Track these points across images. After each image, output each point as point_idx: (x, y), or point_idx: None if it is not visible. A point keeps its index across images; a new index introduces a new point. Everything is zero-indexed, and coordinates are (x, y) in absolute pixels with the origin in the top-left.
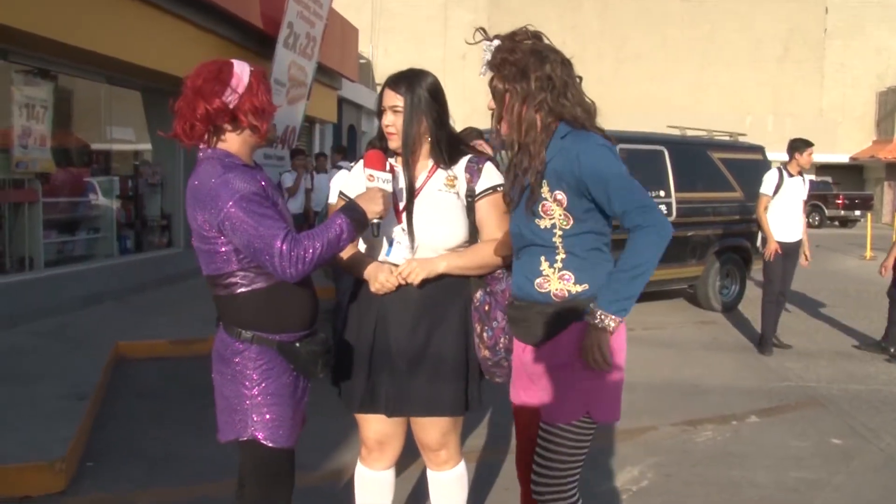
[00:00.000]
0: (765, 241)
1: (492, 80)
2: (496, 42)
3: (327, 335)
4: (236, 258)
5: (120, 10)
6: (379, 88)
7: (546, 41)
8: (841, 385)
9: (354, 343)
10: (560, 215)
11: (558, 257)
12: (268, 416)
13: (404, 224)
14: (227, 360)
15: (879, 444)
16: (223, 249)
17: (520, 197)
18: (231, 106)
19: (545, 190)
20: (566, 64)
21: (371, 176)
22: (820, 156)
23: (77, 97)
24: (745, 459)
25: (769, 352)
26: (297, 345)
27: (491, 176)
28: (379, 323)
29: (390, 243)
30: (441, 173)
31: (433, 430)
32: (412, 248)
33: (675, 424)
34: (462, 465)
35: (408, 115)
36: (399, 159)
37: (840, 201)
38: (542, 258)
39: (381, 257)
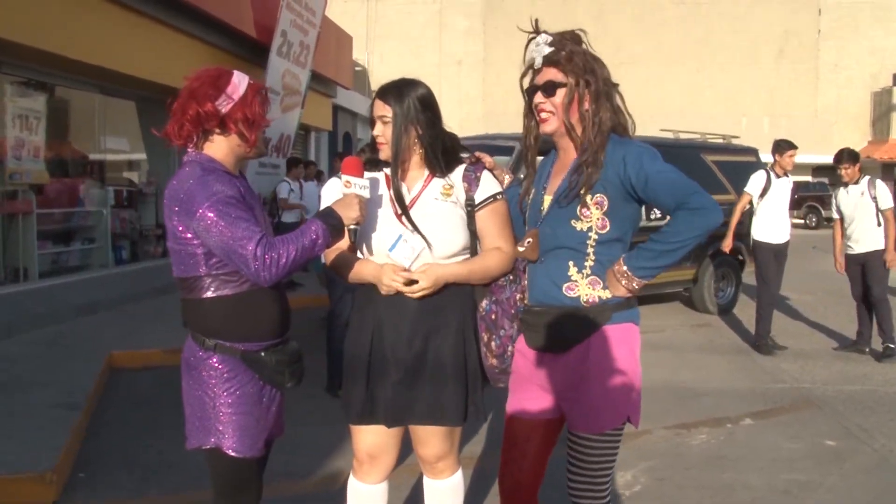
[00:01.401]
0: (753, 243)
1: (525, 71)
2: (548, 37)
3: (299, 345)
4: (206, 262)
5: (113, 20)
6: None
7: (587, 47)
8: (836, 386)
9: (353, 352)
10: (598, 219)
11: (587, 262)
12: (230, 426)
13: (409, 227)
14: (192, 366)
15: (873, 444)
16: (194, 252)
17: (566, 197)
18: (222, 111)
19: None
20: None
21: (348, 182)
22: (816, 157)
23: (71, 108)
24: (739, 462)
25: (769, 352)
26: (263, 354)
27: (489, 185)
28: (376, 332)
29: (394, 242)
30: (437, 182)
31: (433, 440)
32: (417, 248)
33: (668, 428)
34: (459, 473)
35: (396, 125)
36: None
37: None
38: (571, 263)
39: (383, 257)
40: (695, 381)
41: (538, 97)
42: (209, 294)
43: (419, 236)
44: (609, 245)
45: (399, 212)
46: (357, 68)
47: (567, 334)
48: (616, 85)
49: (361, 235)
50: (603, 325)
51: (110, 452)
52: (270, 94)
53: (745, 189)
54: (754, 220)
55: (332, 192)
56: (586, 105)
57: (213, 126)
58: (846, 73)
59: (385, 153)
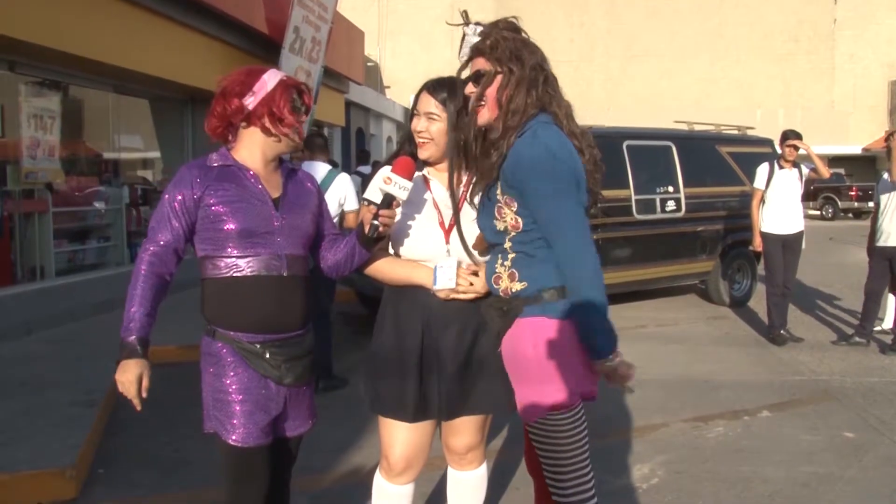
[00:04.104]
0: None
1: (464, 64)
2: (478, 27)
3: (309, 347)
4: (199, 245)
5: (126, 19)
6: (388, 91)
7: (524, 35)
8: (854, 378)
9: (398, 352)
10: (511, 218)
11: (510, 256)
12: (224, 413)
13: (450, 246)
14: (202, 350)
15: (893, 436)
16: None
17: (476, 194)
18: (248, 107)
19: (499, 191)
20: (547, 61)
21: (388, 178)
22: (832, 147)
23: (85, 107)
24: (757, 455)
25: (781, 342)
26: (258, 346)
27: None
28: (426, 330)
29: (434, 277)
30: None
31: (467, 430)
32: (454, 267)
33: (686, 421)
34: (485, 465)
35: (453, 123)
36: (430, 170)
37: (853, 193)
38: (499, 255)
39: (430, 262)
40: (711, 373)
41: (468, 87)
42: (204, 275)
43: (444, 256)
44: (529, 243)
45: (444, 220)
46: (369, 63)
47: (492, 325)
48: (545, 71)
49: (404, 240)
50: (517, 317)
51: (129, 449)
52: None
53: (754, 185)
54: (762, 211)
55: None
56: (507, 93)
57: (238, 121)
58: (863, 62)
59: (428, 151)
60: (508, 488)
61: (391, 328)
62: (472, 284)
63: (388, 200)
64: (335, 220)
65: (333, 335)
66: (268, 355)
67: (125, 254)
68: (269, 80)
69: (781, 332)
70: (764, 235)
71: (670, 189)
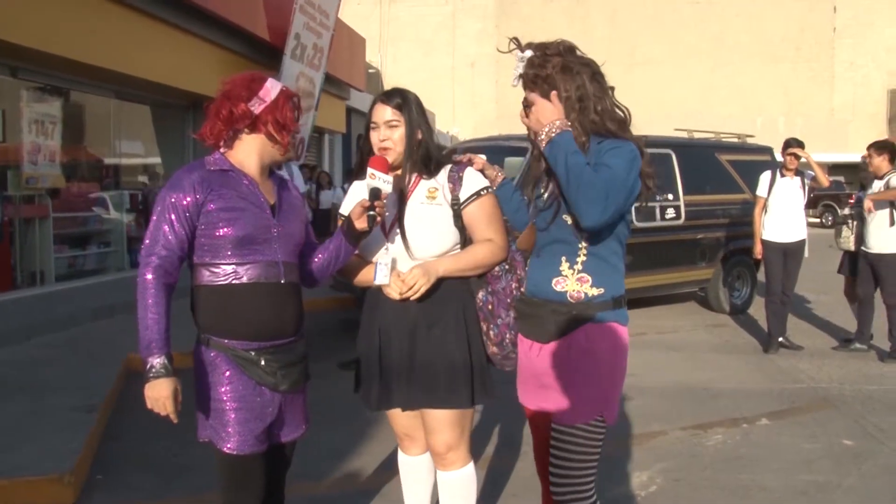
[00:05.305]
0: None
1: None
2: (528, 53)
3: (302, 353)
4: (195, 251)
5: (128, 25)
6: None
7: (578, 53)
8: (853, 386)
9: (365, 350)
10: None
11: (579, 259)
12: (219, 421)
13: (388, 244)
14: (195, 358)
15: (892, 444)
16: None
17: (551, 200)
18: (254, 112)
19: None
20: (597, 77)
21: (373, 174)
22: (831, 155)
23: (86, 112)
24: (755, 463)
25: (774, 350)
26: (253, 354)
27: (473, 182)
28: (382, 331)
29: (375, 274)
30: (423, 185)
31: (441, 427)
32: (392, 267)
33: (684, 429)
34: (470, 466)
35: (409, 127)
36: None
37: (852, 201)
38: (563, 258)
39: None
40: (711, 381)
41: (522, 114)
42: (199, 283)
43: (383, 252)
44: (604, 240)
45: (386, 220)
46: (370, 70)
47: (550, 327)
48: (582, 100)
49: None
50: (587, 322)
51: (128, 455)
52: None
53: (756, 193)
54: (763, 218)
55: (357, 188)
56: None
57: (242, 126)
58: (862, 71)
59: (392, 157)
60: (504, 495)
61: (364, 331)
62: (403, 282)
63: (376, 193)
64: None
65: (326, 337)
66: (263, 362)
67: (125, 259)
68: (272, 88)
69: (780, 339)
70: (764, 243)
71: (670, 197)
